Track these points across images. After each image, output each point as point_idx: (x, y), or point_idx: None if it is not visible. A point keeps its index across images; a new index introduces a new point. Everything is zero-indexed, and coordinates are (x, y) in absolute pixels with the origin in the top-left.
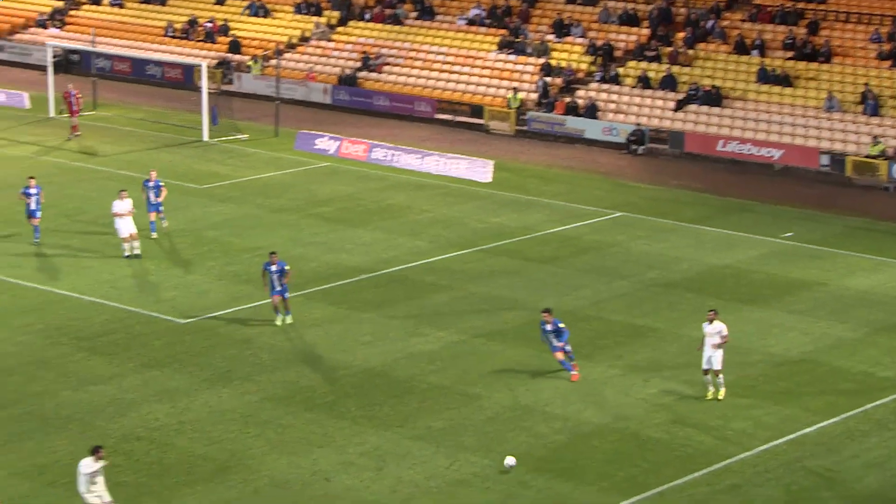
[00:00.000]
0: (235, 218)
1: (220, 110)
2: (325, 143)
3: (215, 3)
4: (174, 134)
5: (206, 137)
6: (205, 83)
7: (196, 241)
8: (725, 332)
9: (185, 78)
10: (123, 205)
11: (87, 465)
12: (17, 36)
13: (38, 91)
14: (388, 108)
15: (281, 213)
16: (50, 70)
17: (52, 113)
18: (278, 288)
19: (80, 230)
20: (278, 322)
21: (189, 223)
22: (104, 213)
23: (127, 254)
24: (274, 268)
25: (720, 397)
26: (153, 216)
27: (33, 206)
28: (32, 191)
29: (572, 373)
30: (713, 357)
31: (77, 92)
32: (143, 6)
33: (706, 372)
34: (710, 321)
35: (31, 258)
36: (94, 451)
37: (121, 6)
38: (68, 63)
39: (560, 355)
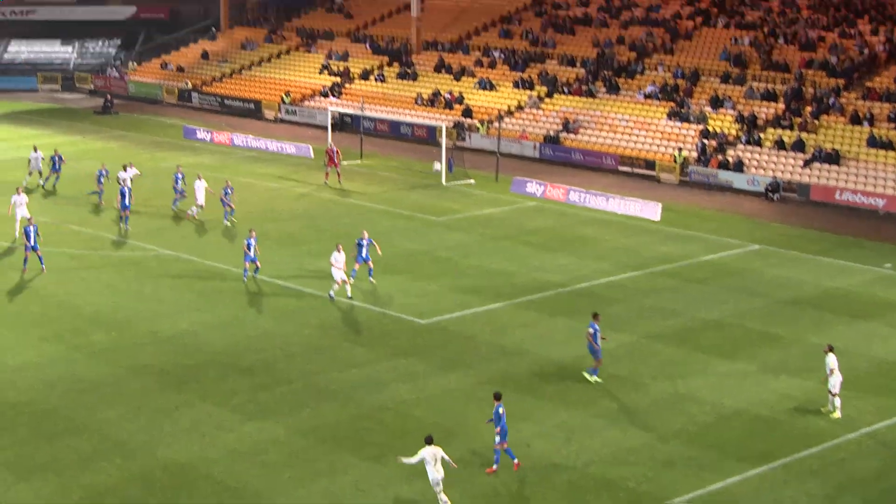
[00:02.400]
0: (464, 243)
1: (455, 161)
2: (534, 187)
3: (454, 80)
4: (420, 178)
5: (444, 182)
6: (444, 140)
7: (434, 260)
8: (833, 364)
9: (429, 136)
10: (339, 257)
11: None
12: (306, 103)
13: (319, 144)
14: (582, 161)
15: (498, 241)
16: (329, 129)
17: (307, 155)
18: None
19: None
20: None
21: (429, 246)
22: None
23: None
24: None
25: (834, 416)
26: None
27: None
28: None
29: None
30: (833, 381)
31: (337, 149)
32: (400, 81)
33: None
34: (827, 352)
35: (314, 272)
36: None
37: (383, 81)
38: (342, 124)
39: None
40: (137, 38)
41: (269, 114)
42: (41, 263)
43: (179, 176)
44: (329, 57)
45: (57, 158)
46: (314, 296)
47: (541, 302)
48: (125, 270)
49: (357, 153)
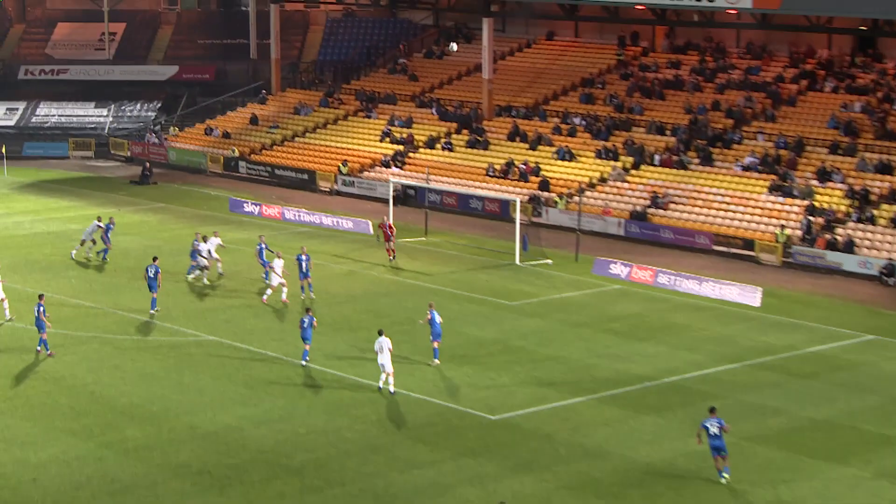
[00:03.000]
0: (540, 330)
1: (530, 238)
2: (618, 269)
3: (529, 149)
4: (491, 258)
5: (517, 262)
6: (518, 215)
7: (506, 349)
8: None
9: (502, 211)
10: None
11: None
12: (366, 174)
13: (380, 220)
14: (672, 240)
15: (578, 328)
16: (391, 202)
17: (369, 231)
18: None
19: (409, 338)
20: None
21: (501, 333)
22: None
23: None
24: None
25: None
26: (436, 343)
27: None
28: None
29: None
30: None
31: (391, 223)
32: (469, 150)
33: None
34: None
35: (373, 361)
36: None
37: (450, 150)
38: (406, 197)
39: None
40: (179, 100)
41: (324, 185)
42: (42, 346)
43: (262, 247)
44: (391, 123)
45: (106, 227)
46: (372, 387)
47: (626, 397)
48: (163, 357)
49: (421, 229)
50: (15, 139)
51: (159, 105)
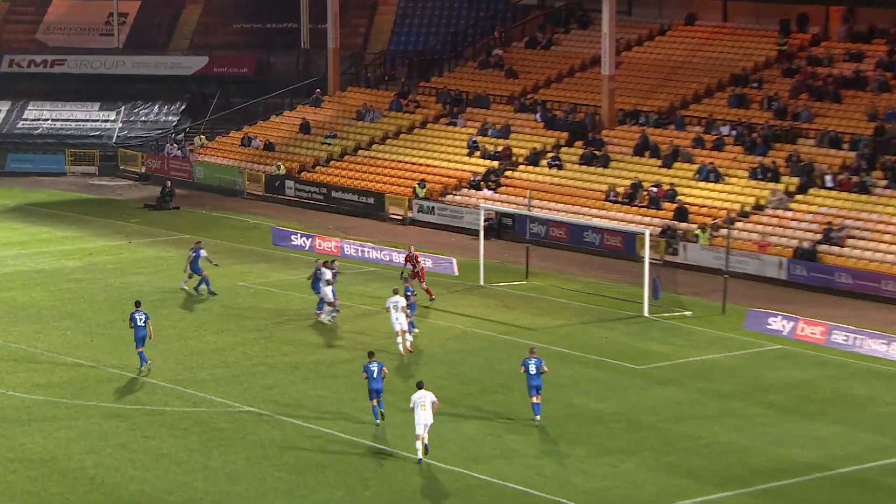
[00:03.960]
0: (675, 402)
1: (663, 283)
2: (779, 324)
3: (661, 167)
4: (612, 308)
5: (646, 313)
6: (647, 253)
7: (631, 427)
8: None
9: (626, 247)
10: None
11: None
12: (449, 197)
13: (467, 257)
14: (850, 286)
15: (725, 400)
16: (481, 235)
17: (481, 281)
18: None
19: (504, 409)
20: None
21: (624, 407)
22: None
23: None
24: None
25: None
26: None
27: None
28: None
29: None
30: None
31: (417, 254)
32: (584, 168)
33: None
34: None
35: (453, 439)
36: None
37: (560, 167)
38: (501, 227)
39: None
40: (209, 101)
41: (395, 212)
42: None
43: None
44: (483, 132)
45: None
46: (455, 473)
47: (789, 491)
48: (183, 434)
49: (521, 270)
50: None
51: (183, 107)
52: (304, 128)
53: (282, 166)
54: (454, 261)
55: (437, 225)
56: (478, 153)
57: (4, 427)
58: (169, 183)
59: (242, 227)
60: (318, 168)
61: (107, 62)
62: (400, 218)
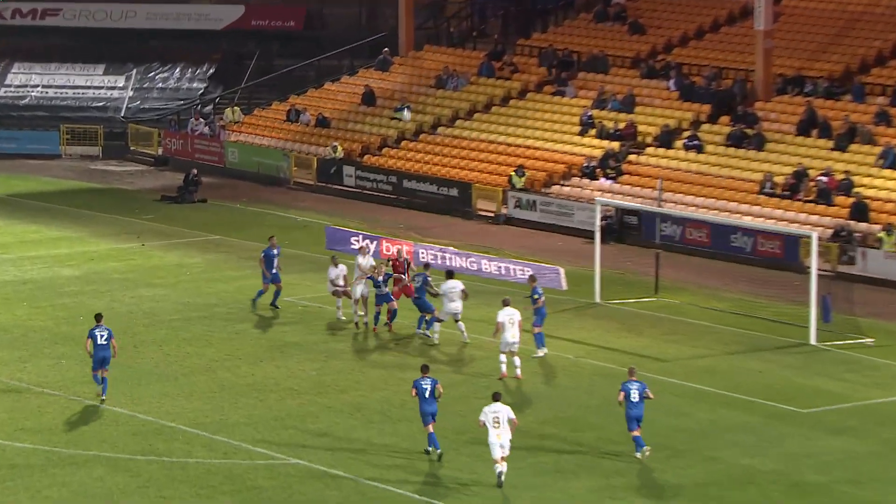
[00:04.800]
0: (852, 458)
1: (835, 301)
2: None
3: (834, 149)
4: (767, 333)
5: (813, 340)
6: (814, 262)
7: (794, 490)
8: None
9: (786, 253)
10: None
11: None
12: (555, 189)
13: (579, 266)
14: None
15: None
16: (597, 236)
17: (597, 297)
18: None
19: (624, 468)
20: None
21: (785, 463)
22: (663, 440)
23: None
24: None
25: None
26: None
27: None
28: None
29: None
30: None
31: (410, 259)
32: (731, 151)
33: None
34: None
35: (561, 502)
36: None
37: (699, 150)
38: (622, 227)
39: None
40: (245, 64)
41: (485, 207)
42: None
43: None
44: (599, 104)
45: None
46: None
47: None
48: (211, 493)
49: (649, 282)
50: None
51: (211, 71)
52: (368, 98)
53: (339, 148)
54: (561, 271)
55: (539, 224)
56: (593, 132)
57: None
58: (194, 170)
59: (288, 227)
60: (385, 150)
61: (113, 13)
62: (491, 215)
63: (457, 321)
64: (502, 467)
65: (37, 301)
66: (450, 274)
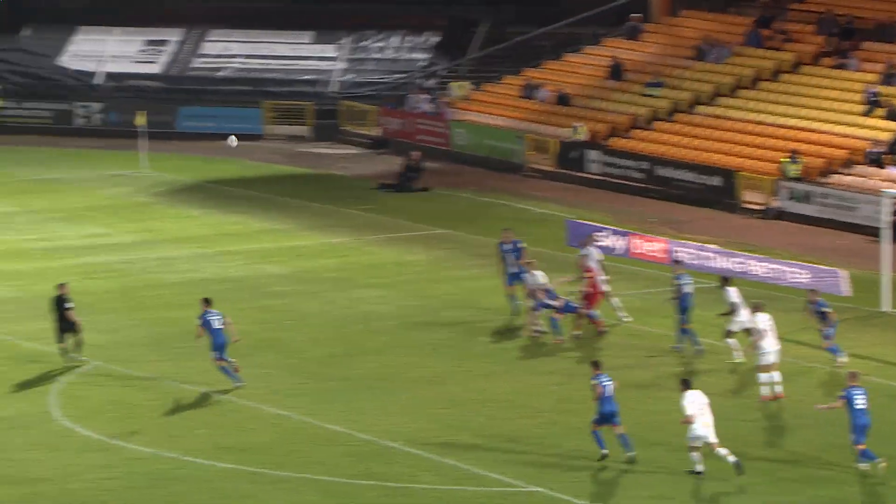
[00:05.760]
0: None
1: None
2: None
3: None
4: None
5: None
6: None
7: None
8: None
9: None
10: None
11: None
12: (835, 178)
13: (864, 268)
14: None
15: None
16: (884, 234)
17: (887, 304)
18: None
19: None
20: None
21: None
22: None
23: None
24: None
25: None
26: None
27: None
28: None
29: None
30: None
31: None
32: None
33: None
34: None
35: None
36: None
37: None
38: None
39: None
40: (473, 31)
41: (752, 198)
42: None
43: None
44: (887, 79)
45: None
46: None
47: None
48: None
49: None
50: (162, 101)
51: (436, 41)
52: (615, 72)
53: (581, 129)
54: (844, 274)
55: (815, 220)
56: (880, 111)
57: None
58: (414, 154)
59: (524, 219)
60: (634, 132)
61: None
62: (760, 208)
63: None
64: (726, 451)
65: (238, 302)
66: (725, 280)
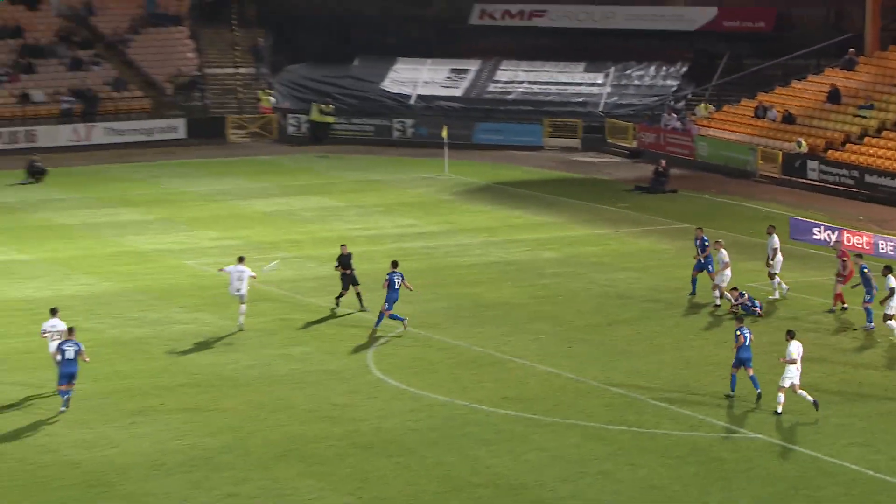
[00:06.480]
0: None
1: None
2: None
3: None
4: None
5: None
6: None
7: None
8: None
9: None
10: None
11: None
12: None
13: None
14: None
15: None
16: None
17: None
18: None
19: None
20: None
21: None
22: None
23: None
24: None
25: None
26: None
27: None
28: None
29: None
30: None
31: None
32: None
33: None
34: None
35: None
36: None
37: None
38: None
39: None
40: (716, 63)
41: None
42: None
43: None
44: None
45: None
46: None
47: None
48: (678, 463)
49: None
50: (462, 118)
51: (684, 69)
52: (833, 96)
53: (803, 143)
54: None
55: None
56: None
57: (469, 447)
58: (663, 162)
59: (752, 217)
60: (848, 146)
61: (595, 14)
62: None
63: None
64: (805, 393)
65: (519, 281)
66: (888, 269)
